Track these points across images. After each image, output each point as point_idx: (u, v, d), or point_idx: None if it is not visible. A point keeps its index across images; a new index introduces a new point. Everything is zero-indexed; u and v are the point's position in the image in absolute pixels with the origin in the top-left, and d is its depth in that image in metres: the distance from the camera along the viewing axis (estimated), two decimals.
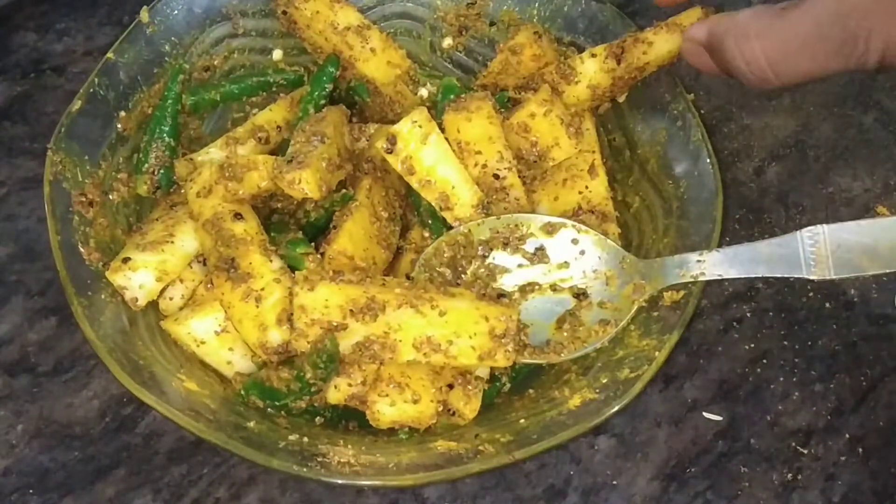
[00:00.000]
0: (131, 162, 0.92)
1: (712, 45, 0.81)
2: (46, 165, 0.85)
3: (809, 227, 0.77)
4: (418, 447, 0.79)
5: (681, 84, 0.94)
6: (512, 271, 0.87)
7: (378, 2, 1.05)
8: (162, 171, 0.92)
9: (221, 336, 0.83)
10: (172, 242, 0.86)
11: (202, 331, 0.83)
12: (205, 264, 0.87)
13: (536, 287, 0.86)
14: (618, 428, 0.90)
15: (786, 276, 0.77)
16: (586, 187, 0.91)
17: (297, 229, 0.89)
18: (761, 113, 1.11)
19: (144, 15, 0.95)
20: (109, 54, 0.92)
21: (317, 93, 0.95)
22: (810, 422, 0.91)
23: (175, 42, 0.96)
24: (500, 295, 0.85)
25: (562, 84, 0.94)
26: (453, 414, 0.83)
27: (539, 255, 0.87)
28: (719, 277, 0.80)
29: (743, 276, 0.79)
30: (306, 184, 0.82)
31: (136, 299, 0.84)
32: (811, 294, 0.98)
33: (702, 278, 0.81)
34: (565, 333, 0.84)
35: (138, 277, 0.83)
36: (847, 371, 0.94)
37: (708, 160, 0.89)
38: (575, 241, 0.87)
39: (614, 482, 0.87)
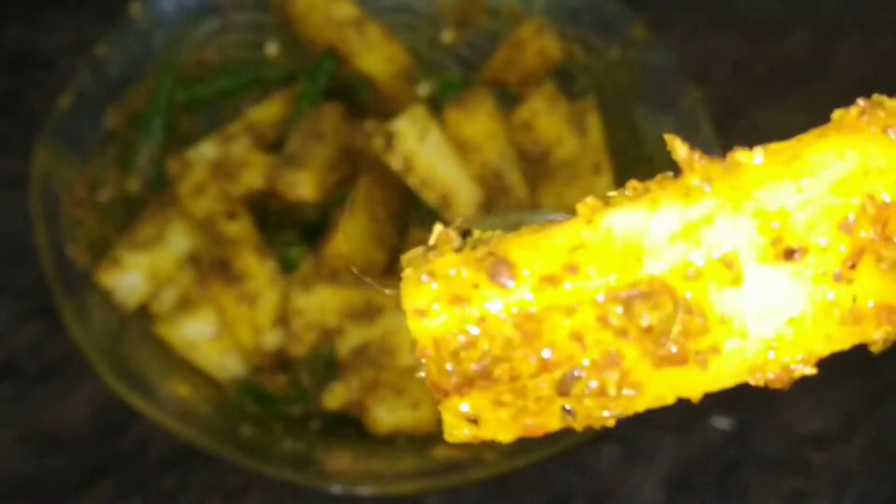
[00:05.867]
0: (121, 160, 0.91)
1: None
2: (34, 163, 0.84)
3: None
4: (417, 454, 0.78)
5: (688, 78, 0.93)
6: None
7: None
8: (153, 168, 0.91)
9: (214, 339, 0.83)
10: (164, 242, 0.85)
11: (194, 334, 0.83)
12: (197, 265, 0.86)
13: None
14: (623, 434, 0.89)
15: None
16: (591, 185, 0.90)
17: (292, 229, 0.89)
18: (771, 109, 1.10)
19: (134, 8, 0.94)
20: (98, 49, 0.91)
21: (313, 89, 0.95)
22: (822, 428, 0.90)
23: (166, 36, 0.96)
24: None
25: None
26: None
27: None
28: None
29: None
30: (305, 186, 0.82)
31: (126, 301, 0.83)
32: None
33: None
34: None
35: (128, 278, 0.83)
36: (860, 375, 0.93)
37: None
38: None
39: (619, 490, 0.87)
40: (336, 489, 0.74)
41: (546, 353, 0.32)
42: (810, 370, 0.34)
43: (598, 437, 0.84)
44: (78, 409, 0.88)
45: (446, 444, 0.79)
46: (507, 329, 0.32)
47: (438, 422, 0.83)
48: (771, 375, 0.34)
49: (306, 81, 0.96)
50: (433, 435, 0.81)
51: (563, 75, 0.98)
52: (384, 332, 0.79)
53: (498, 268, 0.31)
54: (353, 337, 0.79)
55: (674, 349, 0.33)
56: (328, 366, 0.80)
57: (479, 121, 0.89)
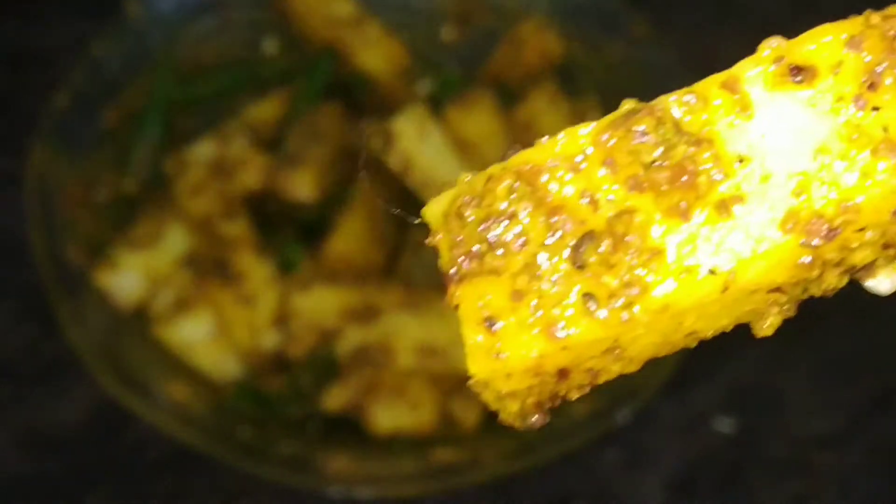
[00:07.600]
0: (118, 159, 0.91)
1: None
2: (29, 163, 0.84)
3: None
4: (417, 456, 0.78)
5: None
6: None
7: None
8: (150, 168, 0.91)
9: (212, 340, 0.83)
10: (161, 243, 0.85)
11: (192, 335, 0.83)
12: (195, 266, 0.86)
13: None
14: (625, 436, 0.88)
15: None
16: None
17: (290, 229, 0.88)
18: None
19: (131, 6, 0.94)
20: (94, 47, 0.91)
21: (311, 88, 0.95)
22: (825, 429, 0.90)
23: (163, 34, 0.96)
24: None
25: None
26: (454, 421, 0.81)
27: None
28: None
29: None
30: (303, 185, 0.83)
31: (123, 302, 0.83)
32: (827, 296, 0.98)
33: None
34: None
35: (125, 279, 0.83)
36: (864, 376, 0.93)
37: None
38: None
39: (621, 492, 0.86)
40: (335, 492, 0.74)
41: (554, 218, 0.30)
42: (851, 217, 0.30)
43: (599, 439, 0.83)
44: (74, 411, 0.87)
45: (447, 446, 0.79)
46: (508, 176, 0.31)
47: (438, 423, 0.83)
48: (809, 227, 0.30)
49: (305, 80, 0.95)
50: (433, 437, 0.81)
51: (564, 74, 0.98)
52: (383, 332, 0.79)
53: (510, 152, 0.31)
54: (352, 338, 0.79)
55: (684, 178, 0.30)
56: (327, 367, 0.80)
57: (479, 120, 0.89)
